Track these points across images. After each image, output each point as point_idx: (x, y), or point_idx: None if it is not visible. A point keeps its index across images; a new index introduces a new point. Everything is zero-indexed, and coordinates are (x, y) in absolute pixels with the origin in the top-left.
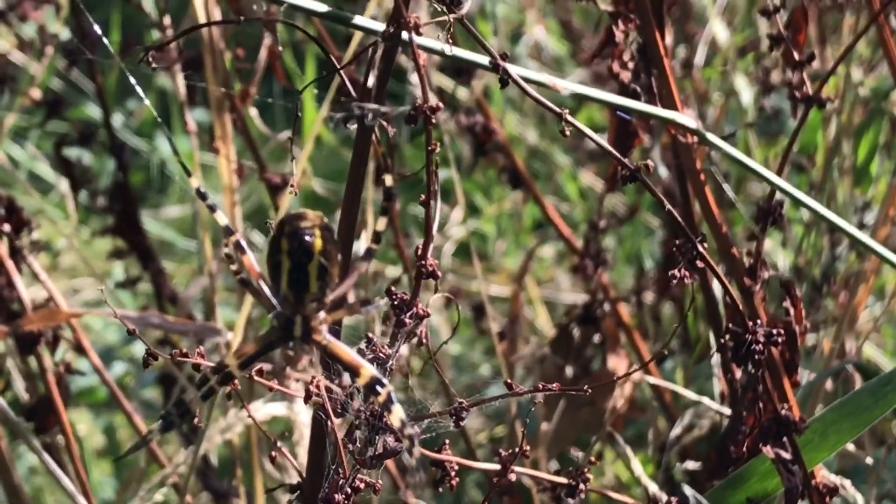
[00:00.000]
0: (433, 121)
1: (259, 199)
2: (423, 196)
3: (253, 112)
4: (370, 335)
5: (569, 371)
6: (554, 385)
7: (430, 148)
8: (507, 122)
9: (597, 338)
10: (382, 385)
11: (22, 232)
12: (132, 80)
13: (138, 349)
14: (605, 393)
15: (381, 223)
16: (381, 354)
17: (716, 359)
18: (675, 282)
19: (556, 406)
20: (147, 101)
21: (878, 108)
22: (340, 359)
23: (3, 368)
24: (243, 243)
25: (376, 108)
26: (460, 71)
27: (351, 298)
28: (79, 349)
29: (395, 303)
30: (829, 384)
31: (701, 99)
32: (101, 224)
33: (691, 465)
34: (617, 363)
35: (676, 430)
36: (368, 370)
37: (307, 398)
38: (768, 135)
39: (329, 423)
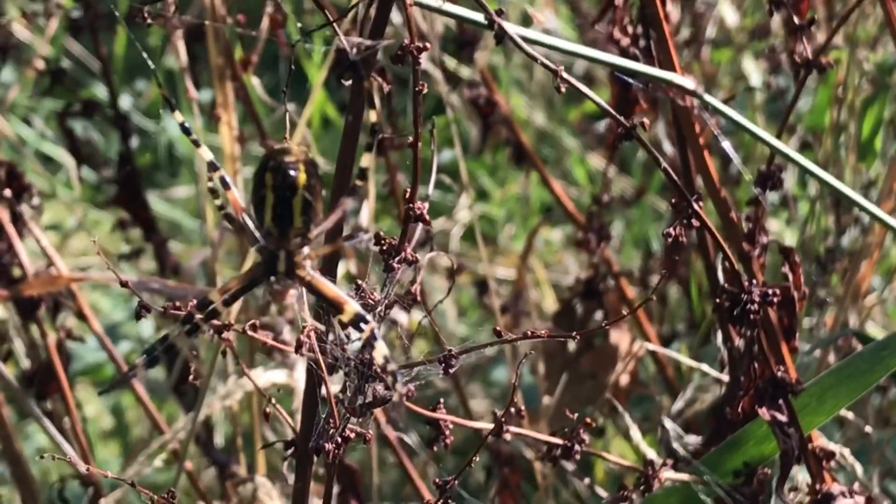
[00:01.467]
0: (420, 61)
1: None
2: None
3: (255, 81)
4: (359, 282)
5: (571, 345)
6: (542, 332)
7: (416, 89)
8: (514, 105)
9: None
10: (366, 322)
11: (23, 197)
12: (141, 51)
13: (145, 327)
14: (608, 367)
15: (366, 159)
16: (370, 300)
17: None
18: (669, 240)
19: (558, 380)
20: (151, 64)
21: (883, 83)
22: (324, 294)
23: (4, 336)
24: (228, 179)
25: (360, 42)
26: (463, 44)
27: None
28: (80, 316)
29: (384, 248)
30: (831, 359)
31: (709, 82)
32: (106, 198)
33: (692, 439)
34: (620, 338)
35: (678, 404)
36: (352, 306)
37: (298, 348)
38: (775, 114)
39: (319, 372)
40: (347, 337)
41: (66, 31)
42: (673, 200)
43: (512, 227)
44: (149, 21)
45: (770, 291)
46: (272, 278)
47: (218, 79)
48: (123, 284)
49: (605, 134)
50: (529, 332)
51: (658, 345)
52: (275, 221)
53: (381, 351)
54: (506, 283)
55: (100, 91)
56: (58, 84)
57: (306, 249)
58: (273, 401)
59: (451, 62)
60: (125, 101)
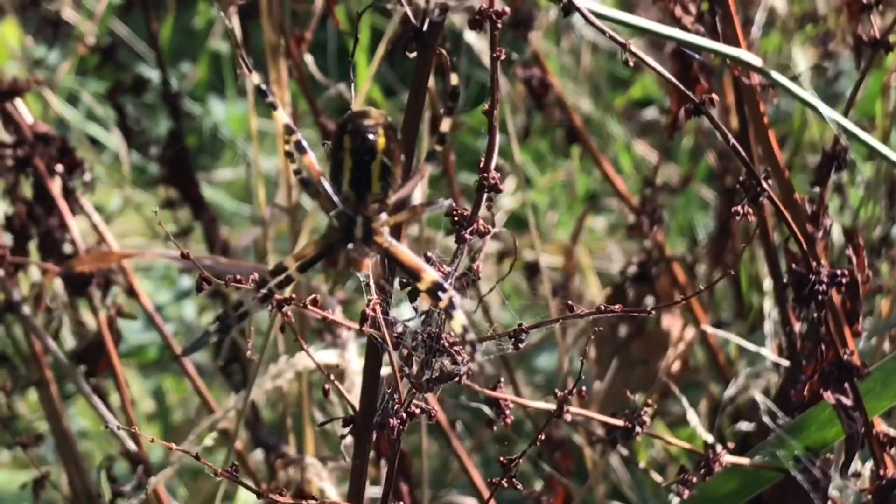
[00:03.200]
0: (499, 25)
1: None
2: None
3: (307, 58)
4: (428, 253)
5: (622, 330)
6: (616, 306)
7: (494, 55)
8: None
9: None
10: (444, 290)
11: (75, 173)
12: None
13: (188, 310)
14: (659, 353)
15: (446, 124)
16: (441, 271)
17: (771, 322)
18: (737, 218)
19: (608, 366)
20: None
21: None
22: (401, 262)
23: (53, 313)
24: (304, 143)
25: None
26: (518, 23)
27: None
28: (130, 293)
29: (456, 219)
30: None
31: None
32: (154, 177)
33: (745, 426)
34: (671, 322)
35: (731, 391)
36: (431, 274)
37: (363, 321)
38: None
39: (384, 347)
40: (415, 310)
41: (112, 13)
42: (740, 179)
43: (555, 214)
44: None
45: (839, 272)
46: (349, 244)
47: (271, 55)
48: (185, 256)
49: (652, 121)
50: (597, 308)
51: (708, 330)
52: (352, 186)
53: (459, 320)
54: (550, 271)
55: (145, 72)
56: (108, 62)
57: (384, 215)
58: (332, 377)
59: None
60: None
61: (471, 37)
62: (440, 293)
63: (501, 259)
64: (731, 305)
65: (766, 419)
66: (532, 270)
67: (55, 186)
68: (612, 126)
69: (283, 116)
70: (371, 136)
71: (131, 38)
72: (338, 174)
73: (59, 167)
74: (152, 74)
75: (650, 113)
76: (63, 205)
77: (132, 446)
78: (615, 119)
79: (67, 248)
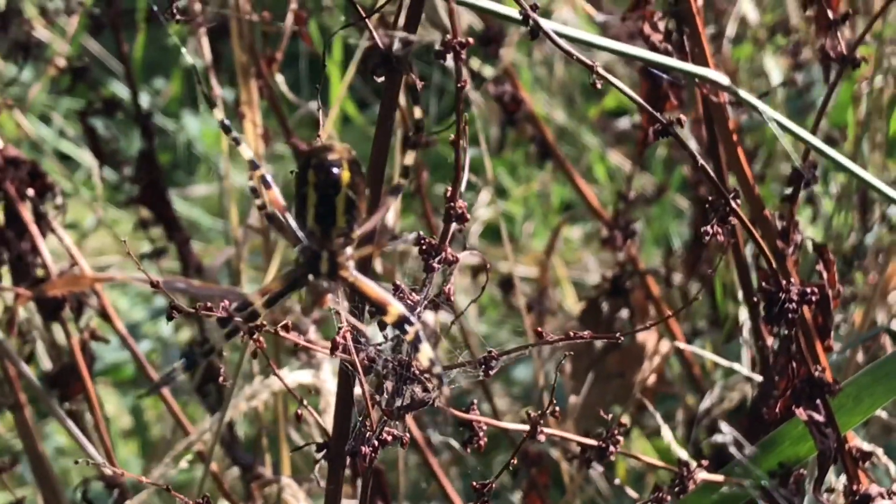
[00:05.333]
0: (462, 56)
1: (284, 171)
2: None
3: (279, 78)
4: (397, 282)
5: (598, 343)
6: (586, 332)
7: (459, 85)
8: (535, 102)
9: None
10: (411, 323)
11: (46, 196)
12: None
13: (164, 327)
14: (635, 366)
15: (410, 157)
16: (408, 301)
17: (745, 334)
18: (707, 238)
19: (584, 379)
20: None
21: None
22: (367, 296)
23: (27, 336)
24: (269, 178)
25: (405, 36)
26: (488, 41)
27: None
28: (103, 316)
29: (424, 247)
30: (860, 357)
31: (731, 79)
32: (127, 197)
33: (720, 438)
34: (646, 336)
35: (706, 403)
36: (396, 307)
37: (333, 349)
38: (796, 111)
39: (356, 374)
40: (385, 338)
41: (85, 30)
42: (709, 198)
43: (530, 225)
44: (178, 17)
45: (809, 290)
46: (314, 279)
47: (242, 76)
48: (154, 285)
49: (625, 131)
50: (570, 334)
51: (684, 343)
52: (317, 221)
53: (426, 353)
54: (525, 282)
55: (118, 90)
56: (80, 82)
57: (349, 249)
58: (307, 398)
59: (474, 60)
60: (143, 100)
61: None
62: (406, 326)
63: (476, 274)
64: (707, 314)
65: (732, 450)
66: (507, 285)
67: (26, 211)
68: (587, 136)
69: (246, 152)
70: (335, 171)
71: (104, 55)
72: (302, 209)
73: (30, 191)
74: (125, 92)
75: (624, 123)
76: (34, 229)
77: (108, 470)
78: (589, 129)
79: (40, 272)
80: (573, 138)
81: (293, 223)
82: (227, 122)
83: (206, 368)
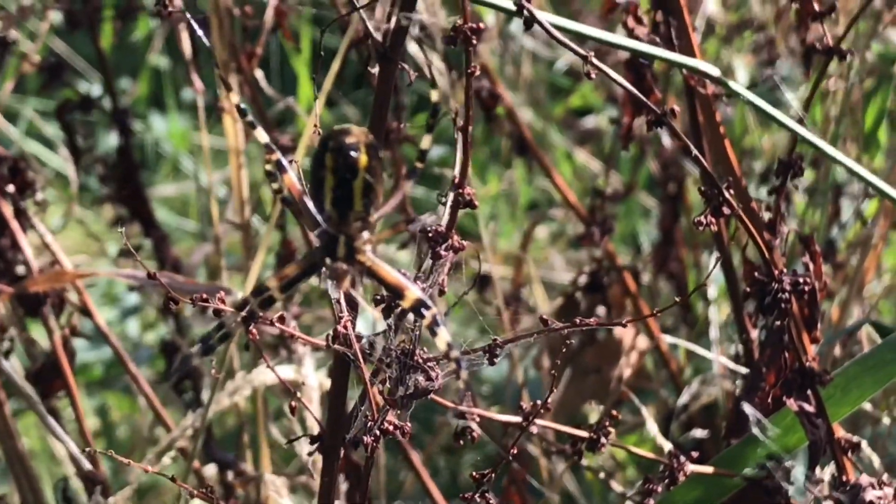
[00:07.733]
0: (473, 42)
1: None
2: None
3: (258, 73)
4: (404, 270)
5: (574, 339)
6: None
7: (468, 71)
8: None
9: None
10: (427, 307)
11: (26, 193)
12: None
13: (132, 327)
14: (612, 361)
15: (426, 141)
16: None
17: (714, 334)
18: (701, 228)
19: (561, 375)
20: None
21: (887, 73)
22: (384, 280)
23: (6, 332)
24: (284, 162)
25: (420, 17)
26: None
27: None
28: (84, 312)
29: (431, 235)
30: (836, 351)
31: None
32: (103, 195)
33: (699, 433)
34: (623, 332)
35: (684, 398)
36: (413, 292)
37: (334, 340)
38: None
39: (357, 364)
40: (389, 326)
41: (51, 30)
42: (702, 189)
43: (495, 224)
44: (170, 9)
45: (801, 280)
46: (332, 262)
47: (222, 70)
48: (151, 276)
49: (591, 130)
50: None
51: (661, 339)
52: (335, 204)
53: (443, 337)
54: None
55: (86, 89)
56: (55, 80)
57: (367, 233)
58: (293, 393)
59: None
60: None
61: (413, 48)
62: (424, 310)
63: (450, 271)
64: (677, 312)
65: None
66: (482, 282)
67: (6, 207)
68: (553, 135)
69: (263, 135)
70: (353, 154)
71: (71, 56)
72: (319, 193)
73: (11, 187)
74: (94, 91)
75: (590, 121)
76: (15, 225)
77: (88, 466)
78: (555, 128)
79: (20, 269)
80: (540, 136)
81: (311, 207)
82: (243, 106)
83: (182, 364)
